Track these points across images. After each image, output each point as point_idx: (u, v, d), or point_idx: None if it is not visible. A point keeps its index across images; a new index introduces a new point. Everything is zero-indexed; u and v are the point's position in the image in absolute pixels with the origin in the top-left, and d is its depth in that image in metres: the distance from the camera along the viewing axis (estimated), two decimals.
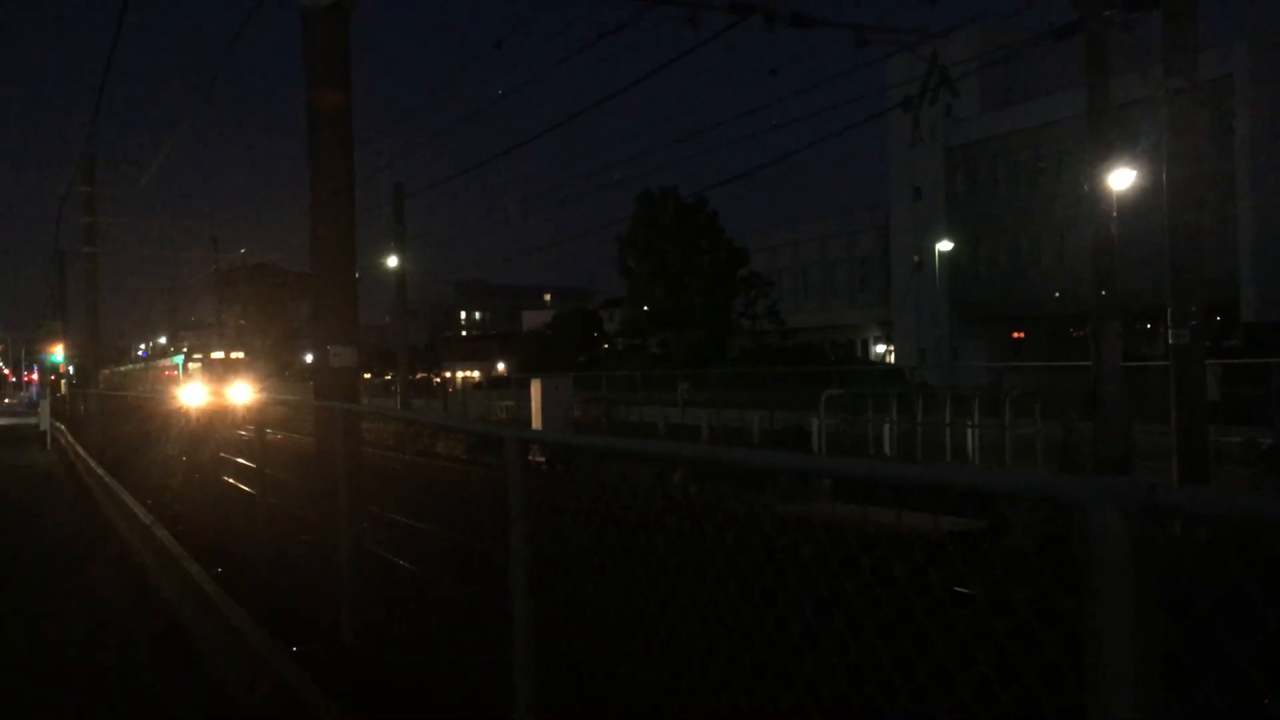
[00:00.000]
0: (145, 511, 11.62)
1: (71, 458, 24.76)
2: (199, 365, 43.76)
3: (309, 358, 42.08)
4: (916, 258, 54.61)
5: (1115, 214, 14.27)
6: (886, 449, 17.79)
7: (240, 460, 10.35)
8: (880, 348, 63.16)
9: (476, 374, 78.78)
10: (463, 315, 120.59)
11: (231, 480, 10.44)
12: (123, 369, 68.85)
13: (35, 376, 66.54)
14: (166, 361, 49.73)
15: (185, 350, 46.24)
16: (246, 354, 46.59)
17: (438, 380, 61.68)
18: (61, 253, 44.74)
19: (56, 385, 42.07)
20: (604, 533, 4.06)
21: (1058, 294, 45.70)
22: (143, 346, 79.37)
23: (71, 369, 42.86)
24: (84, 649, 7.83)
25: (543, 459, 19.17)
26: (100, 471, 17.03)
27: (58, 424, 33.08)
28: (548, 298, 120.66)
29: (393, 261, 39.48)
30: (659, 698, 4.17)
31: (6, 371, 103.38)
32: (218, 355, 44.65)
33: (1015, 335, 52.04)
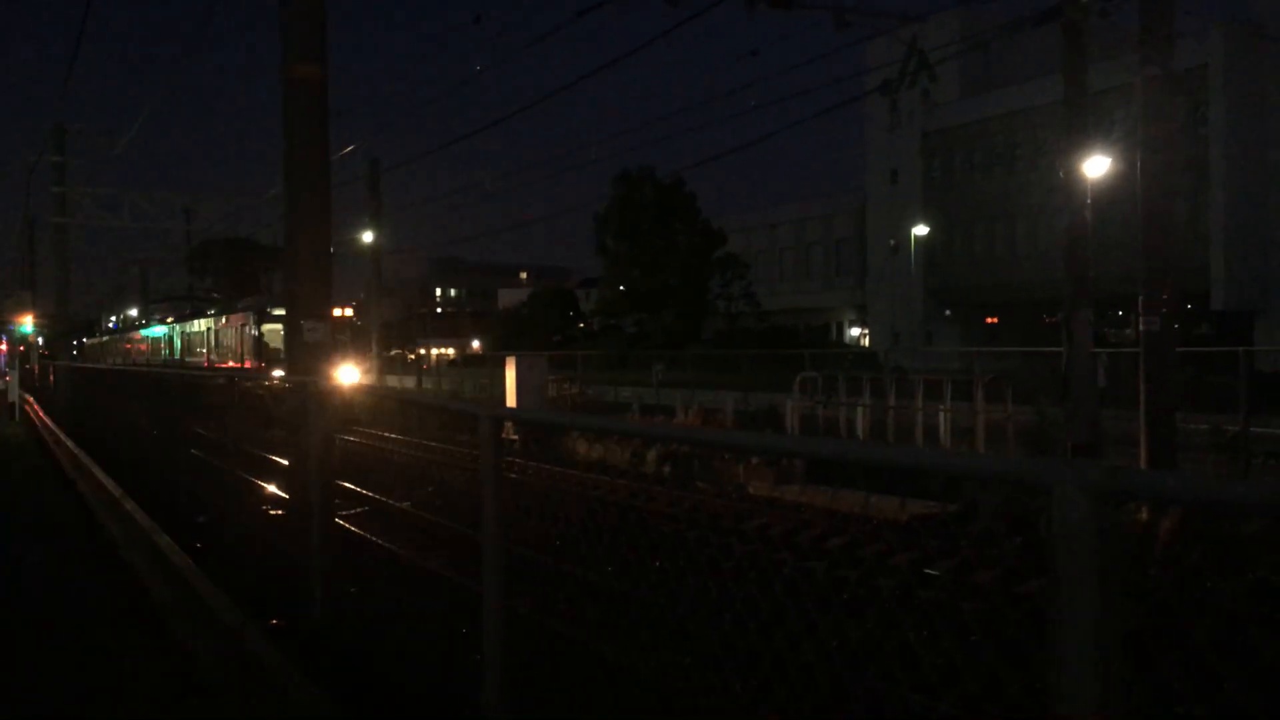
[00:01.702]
0: (119, 489, 11.55)
1: (41, 432, 24.55)
2: (278, 327, 29.50)
3: None
4: (892, 242, 54.79)
5: (1089, 201, 14.35)
6: (859, 432, 17.88)
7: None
8: (855, 331, 63.41)
9: (451, 351, 78.56)
10: (438, 292, 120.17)
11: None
12: (120, 336, 59.46)
13: (4, 348, 65.51)
14: (217, 322, 36.08)
15: (250, 308, 32.69)
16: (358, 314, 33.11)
17: (412, 357, 61.43)
18: (31, 223, 44.24)
19: (26, 356, 41.25)
20: (574, 511, 4.07)
21: (1031, 280, 45.97)
22: (113, 319, 78.61)
23: (41, 340, 42.28)
24: (52, 621, 7.79)
25: (515, 436, 19.22)
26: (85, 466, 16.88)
27: (26, 395, 32.77)
28: (524, 276, 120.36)
29: (368, 237, 39.24)
30: (628, 673, 4.20)
31: None
32: None
33: (989, 320, 52.36)
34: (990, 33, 30.25)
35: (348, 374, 28.02)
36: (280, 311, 30.95)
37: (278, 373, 27.48)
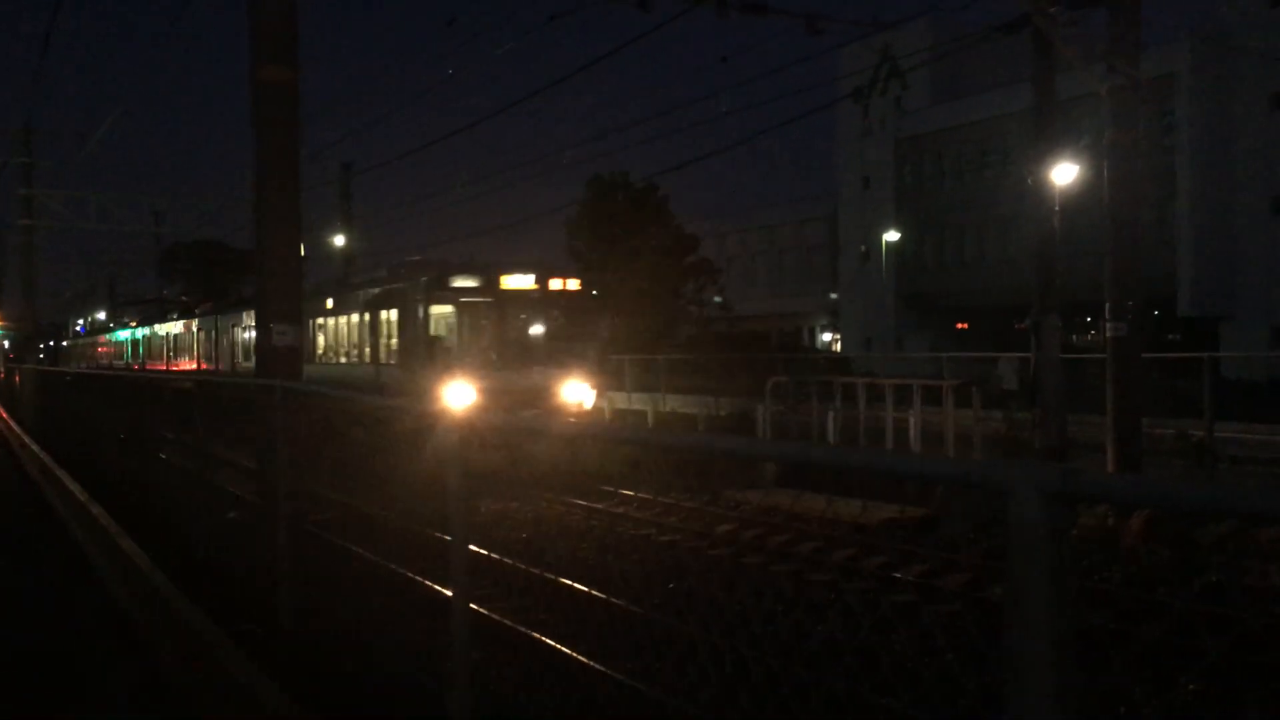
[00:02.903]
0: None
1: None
2: (456, 310, 18.04)
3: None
4: (864, 247, 55.06)
5: (1057, 208, 14.49)
6: (830, 436, 17.96)
7: None
8: (827, 336, 63.63)
9: None
10: None
11: None
12: (113, 336, 48.14)
13: None
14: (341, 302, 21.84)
15: (412, 278, 18.77)
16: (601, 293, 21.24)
17: None
18: None
19: None
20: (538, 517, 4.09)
21: (1001, 285, 46.31)
22: (80, 322, 77.88)
23: (8, 344, 41.67)
24: (15, 625, 7.71)
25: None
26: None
27: None
28: None
29: (339, 240, 39.06)
30: (595, 676, 4.21)
31: None
32: (518, 284, 18.19)
33: (959, 325, 52.69)
34: (961, 40, 30.49)
35: (576, 392, 17.69)
36: (469, 282, 17.57)
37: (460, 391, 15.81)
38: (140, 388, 12.85)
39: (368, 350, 19.83)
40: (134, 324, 45.88)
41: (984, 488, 1.86)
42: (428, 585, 8.57)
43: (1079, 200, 20.51)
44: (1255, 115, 39.02)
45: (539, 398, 16.94)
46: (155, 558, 7.71)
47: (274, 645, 5.74)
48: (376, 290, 19.72)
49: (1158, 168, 37.13)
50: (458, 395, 15.70)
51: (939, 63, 44.58)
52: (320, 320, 22.43)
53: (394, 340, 18.62)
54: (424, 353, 17.47)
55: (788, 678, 3.05)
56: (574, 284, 18.95)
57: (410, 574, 9.26)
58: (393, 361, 18.42)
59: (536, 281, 18.38)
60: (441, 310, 17.89)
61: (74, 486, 11.77)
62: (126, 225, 39.55)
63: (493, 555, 9.75)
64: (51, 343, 66.11)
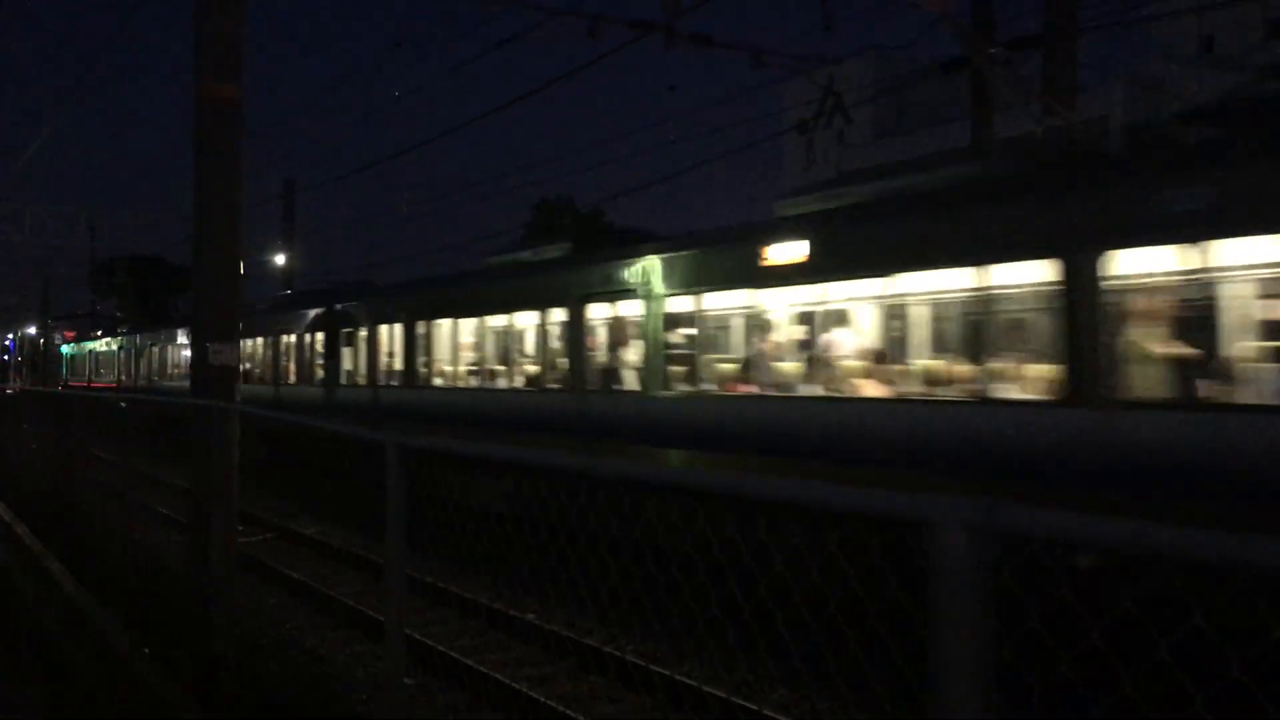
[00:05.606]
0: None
1: None
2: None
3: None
4: None
5: None
6: None
7: None
8: None
9: None
10: None
11: None
12: (96, 346, 39.69)
13: None
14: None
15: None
16: None
17: None
18: None
19: None
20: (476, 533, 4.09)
21: None
22: (9, 337, 76.18)
23: None
24: None
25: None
26: None
27: None
28: None
29: (281, 259, 38.65)
30: (525, 700, 4.21)
31: None
32: None
33: None
34: (903, 78, 31.05)
35: None
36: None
37: None
38: (72, 405, 12.58)
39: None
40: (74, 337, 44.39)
41: (907, 521, 1.89)
42: (363, 609, 8.49)
43: None
44: None
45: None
46: (81, 579, 7.56)
47: (206, 668, 5.64)
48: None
49: None
50: None
51: (882, 98, 45.37)
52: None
53: None
54: None
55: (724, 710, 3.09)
56: None
57: (345, 599, 9.17)
58: None
59: None
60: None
61: (5, 513, 11.49)
62: (61, 239, 38.50)
63: (439, 583, 9.70)
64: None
